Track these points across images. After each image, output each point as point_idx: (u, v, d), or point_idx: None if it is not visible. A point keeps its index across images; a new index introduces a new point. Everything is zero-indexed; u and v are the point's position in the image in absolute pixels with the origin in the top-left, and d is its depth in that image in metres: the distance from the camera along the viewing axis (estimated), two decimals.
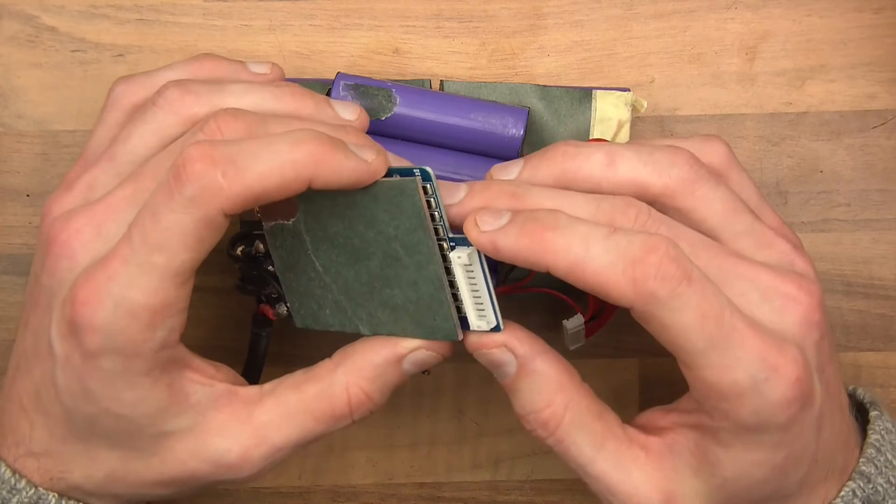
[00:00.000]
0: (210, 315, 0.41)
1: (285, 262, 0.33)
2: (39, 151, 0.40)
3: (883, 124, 0.41)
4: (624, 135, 0.38)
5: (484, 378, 0.42)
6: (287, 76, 0.40)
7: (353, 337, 0.33)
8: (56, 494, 0.32)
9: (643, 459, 0.32)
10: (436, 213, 0.31)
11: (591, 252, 0.29)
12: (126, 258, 0.29)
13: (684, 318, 0.29)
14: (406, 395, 0.41)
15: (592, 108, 0.38)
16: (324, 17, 0.40)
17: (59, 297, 0.31)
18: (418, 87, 0.37)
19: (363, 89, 0.36)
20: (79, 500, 0.32)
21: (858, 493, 0.32)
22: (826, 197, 0.41)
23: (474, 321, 0.32)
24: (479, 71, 0.40)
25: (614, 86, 0.39)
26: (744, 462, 0.31)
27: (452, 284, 0.31)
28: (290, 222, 0.32)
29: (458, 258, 0.31)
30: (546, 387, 0.32)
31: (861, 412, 0.36)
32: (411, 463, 0.42)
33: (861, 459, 0.33)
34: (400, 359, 0.32)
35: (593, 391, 0.33)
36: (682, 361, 0.30)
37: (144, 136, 0.32)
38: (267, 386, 0.33)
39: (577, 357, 0.41)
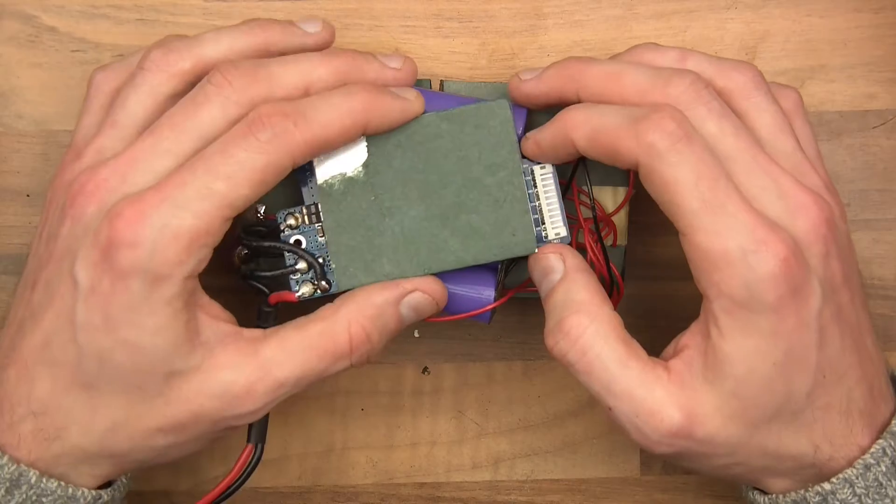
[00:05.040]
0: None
1: (339, 218, 0.34)
2: (39, 151, 0.40)
3: (883, 124, 0.41)
4: None
5: (484, 378, 0.42)
6: None
7: None
8: (37, 472, 0.32)
9: (665, 379, 0.33)
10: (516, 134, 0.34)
11: (605, 119, 0.33)
12: (184, 182, 0.31)
13: (681, 174, 0.31)
14: (406, 395, 0.41)
15: None
16: (324, 18, 0.40)
17: (89, 235, 0.32)
18: (418, 88, 0.37)
19: None
20: (62, 478, 0.33)
21: (889, 452, 0.33)
22: None
23: (550, 231, 0.35)
24: (479, 71, 0.41)
25: None
26: (746, 352, 0.32)
27: (531, 198, 0.35)
28: (352, 172, 0.34)
29: (542, 169, 0.35)
30: (578, 295, 0.34)
31: None
32: (411, 463, 0.42)
33: (894, 420, 0.34)
34: (399, 298, 0.34)
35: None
36: (679, 227, 0.32)
37: (140, 99, 0.34)
38: (270, 329, 0.34)
39: None
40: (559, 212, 0.35)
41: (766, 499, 0.35)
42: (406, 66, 0.35)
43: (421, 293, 0.34)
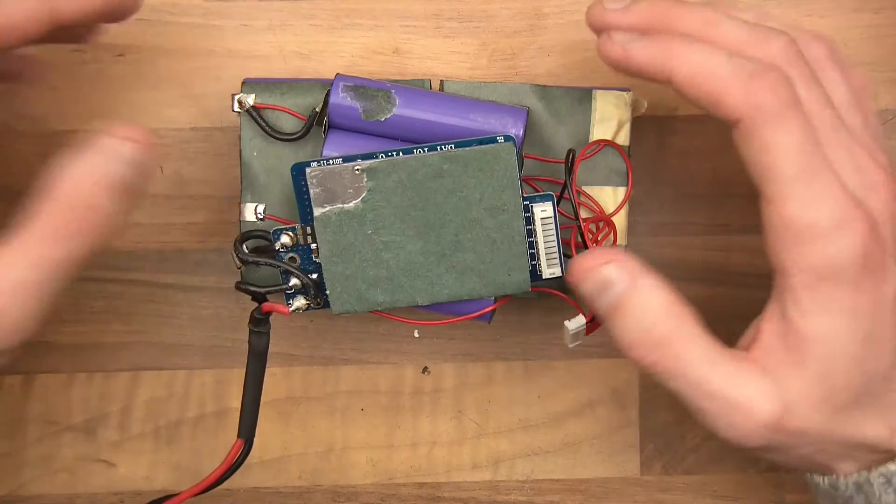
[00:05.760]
0: (210, 315, 0.41)
1: (334, 247, 0.34)
2: (39, 151, 0.40)
3: (883, 124, 0.41)
4: (624, 135, 0.38)
5: (484, 378, 0.42)
6: (287, 76, 0.40)
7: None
8: None
9: (752, 371, 0.32)
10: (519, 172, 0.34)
11: (711, 62, 0.31)
12: None
13: (784, 139, 0.30)
14: (406, 395, 0.41)
15: (592, 107, 0.38)
16: (324, 17, 0.40)
17: None
18: (418, 88, 0.37)
19: (362, 90, 0.36)
20: None
21: None
22: None
23: (546, 271, 0.35)
24: (479, 71, 0.40)
25: (614, 85, 0.38)
26: (828, 329, 0.31)
27: (529, 234, 0.35)
28: (351, 205, 0.34)
29: (543, 211, 0.34)
30: (659, 301, 0.32)
31: None
32: (411, 463, 0.42)
33: None
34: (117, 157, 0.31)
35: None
36: (768, 194, 0.31)
37: None
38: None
39: (577, 357, 0.42)
40: (556, 251, 0.35)
41: (827, 480, 0.34)
42: None
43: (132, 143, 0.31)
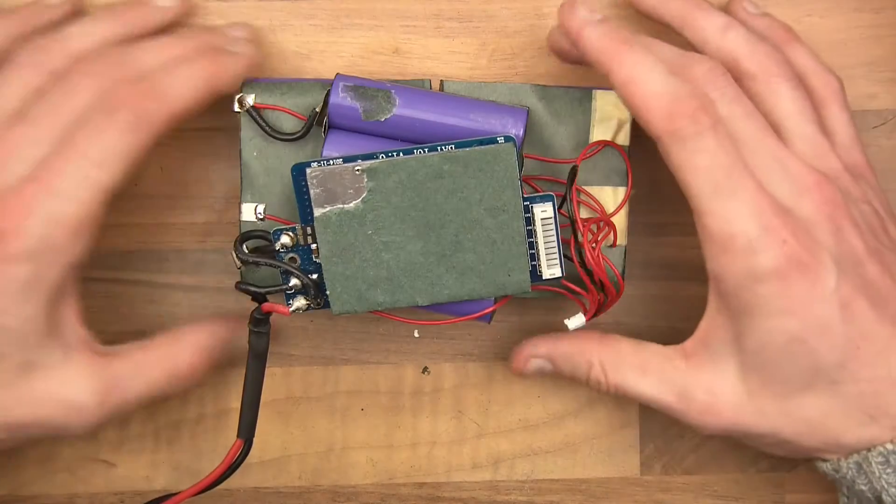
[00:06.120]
0: (210, 315, 0.41)
1: (334, 248, 0.34)
2: None
3: (883, 124, 0.41)
4: (624, 135, 0.38)
5: (484, 378, 0.42)
6: (287, 76, 0.40)
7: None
8: None
9: (684, 367, 0.36)
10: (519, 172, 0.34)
11: (649, 77, 0.33)
12: (62, 171, 0.32)
13: (698, 160, 0.33)
14: (406, 395, 0.41)
15: (592, 107, 0.38)
16: (324, 17, 0.40)
17: None
18: (418, 88, 0.37)
19: (362, 90, 0.36)
20: None
21: None
22: None
23: (546, 271, 0.35)
24: (479, 71, 0.40)
25: None
26: (755, 329, 0.33)
27: (529, 234, 0.35)
28: (351, 205, 0.34)
29: (543, 211, 0.35)
30: (578, 358, 0.37)
31: None
32: (411, 463, 0.42)
33: None
34: (235, 332, 0.38)
35: (624, 336, 0.37)
36: (693, 207, 0.34)
37: (12, 92, 0.34)
38: (116, 347, 0.35)
39: None
40: (556, 252, 0.35)
41: (830, 465, 0.35)
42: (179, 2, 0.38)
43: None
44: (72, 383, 0.34)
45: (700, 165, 0.33)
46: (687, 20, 0.37)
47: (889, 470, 0.34)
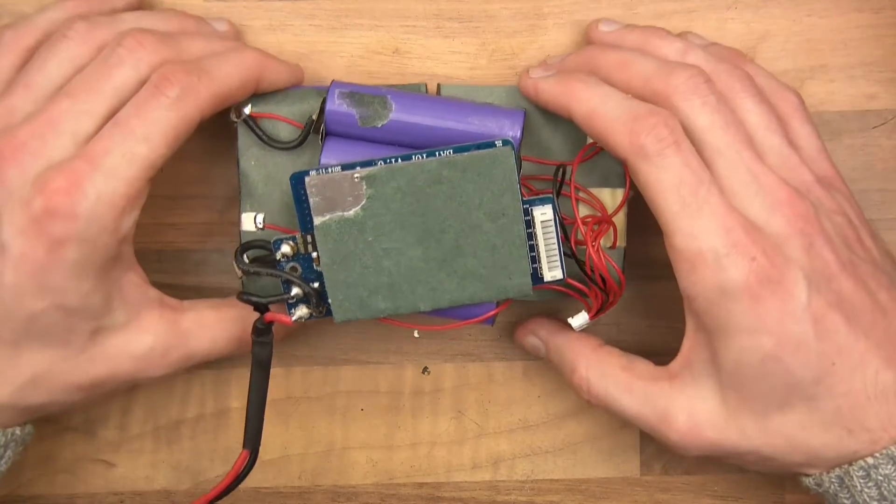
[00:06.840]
0: None
1: (335, 255, 0.34)
2: None
3: (883, 124, 0.41)
4: None
5: (484, 378, 0.42)
6: None
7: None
8: None
9: (668, 388, 0.35)
10: (518, 176, 0.34)
11: (607, 104, 0.34)
12: (108, 149, 0.33)
13: (664, 177, 0.33)
14: (406, 395, 0.41)
15: None
16: (324, 17, 0.40)
17: (13, 200, 0.32)
18: (414, 92, 0.37)
19: (358, 97, 0.36)
20: None
21: None
22: None
23: (547, 273, 0.35)
24: (479, 71, 0.40)
25: None
26: (729, 347, 0.33)
27: (529, 237, 0.35)
28: (351, 213, 0.34)
29: (542, 214, 0.34)
30: (568, 356, 0.38)
31: None
32: (411, 463, 0.42)
33: None
34: None
35: (618, 350, 0.37)
36: (661, 226, 0.34)
37: (61, 65, 0.35)
38: (187, 303, 0.37)
39: None
40: (557, 254, 0.35)
41: (812, 479, 0.35)
42: (230, 27, 0.39)
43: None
44: (139, 339, 0.35)
45: (665, 182, 0.33)
46: (647, 48, 0.37)
47: (871, 484, 0.33)
